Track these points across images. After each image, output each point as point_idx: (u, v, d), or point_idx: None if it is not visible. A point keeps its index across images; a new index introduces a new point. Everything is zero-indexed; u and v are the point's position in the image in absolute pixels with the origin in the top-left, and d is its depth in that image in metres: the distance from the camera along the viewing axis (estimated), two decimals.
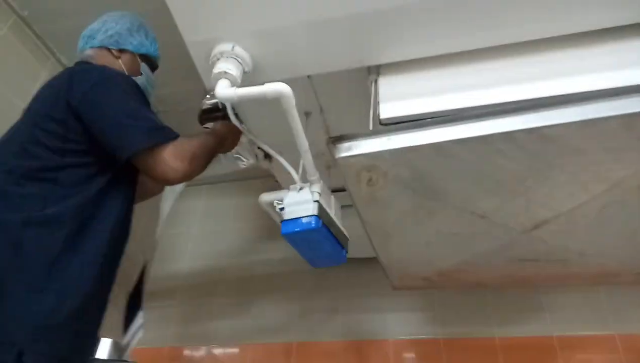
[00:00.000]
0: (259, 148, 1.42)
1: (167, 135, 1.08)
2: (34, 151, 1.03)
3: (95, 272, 1.02)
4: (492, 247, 1.14)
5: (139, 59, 1.32)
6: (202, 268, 2.31)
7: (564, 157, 0.82)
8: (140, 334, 1.31)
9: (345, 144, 0.88)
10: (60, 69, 1.87)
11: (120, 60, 1.29)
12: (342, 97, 1.24)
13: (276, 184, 1.72)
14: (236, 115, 1.40)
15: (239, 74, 1.00)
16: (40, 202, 1.00)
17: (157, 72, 1.42)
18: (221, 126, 1.28)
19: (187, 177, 1.09)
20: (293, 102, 1.00)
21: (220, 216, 2.47)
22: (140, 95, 1.13)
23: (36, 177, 1.03)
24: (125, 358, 1.33)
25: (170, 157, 1.04)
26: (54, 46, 1.80)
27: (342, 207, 1.28)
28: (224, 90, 0.98)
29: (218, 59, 1.00)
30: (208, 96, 1.56)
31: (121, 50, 1.29)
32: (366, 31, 0.97)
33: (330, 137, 0.89)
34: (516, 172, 0.87)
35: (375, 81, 1.05)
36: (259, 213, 2.37)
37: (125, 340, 1.26)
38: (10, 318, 0.89)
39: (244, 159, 1.44)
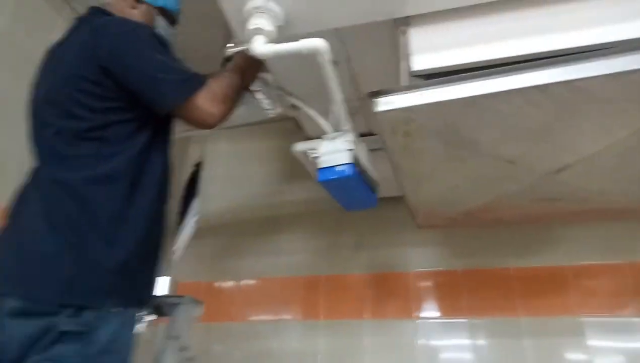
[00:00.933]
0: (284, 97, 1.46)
1: (198, 83, 1.11)
2: (78, 113, 1.07)
3: (151, 222, 1.12)
4: (517, 189, 1.21)
5: (155, 12, 1.31)
6: (230, 209, 2.42)
7: (590, 105, 0.87)
8: (196, 218, 1.43)
9: (383, 98, 0.92)
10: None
11: (136, 11, 1.27)
12: (368, 46, 1.26)
13: (295, 127, 1.77)
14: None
15: (273, 29, 1.02)
16: (93, 161, 1.06)
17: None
18: (241, 60, 1.28)
19: (223, 118, 1.15)
20: (329, 57, 1.03)
21: (243, 159, 2.54)
22: (162, 44, 1.15)
23: (85, 136, 1.08)
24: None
25: (206, 103, 1.10)
26: None
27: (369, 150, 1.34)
28: (260, 47, 1.01)
29: (252, 14, 1.02)
30: (230, 45, 1.58)
31: (138, 1, 1.28)
32: None
33: (368, 92, 0.93)
34: (545, 120, 0.92)
35: (405, 32, 1.07)
36: (281, 155, 2.48)
37: (183, 225, 1.39)
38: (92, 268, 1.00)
39: (272, 108, 1.48)
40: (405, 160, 1.10)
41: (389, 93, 0.92)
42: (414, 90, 0.90)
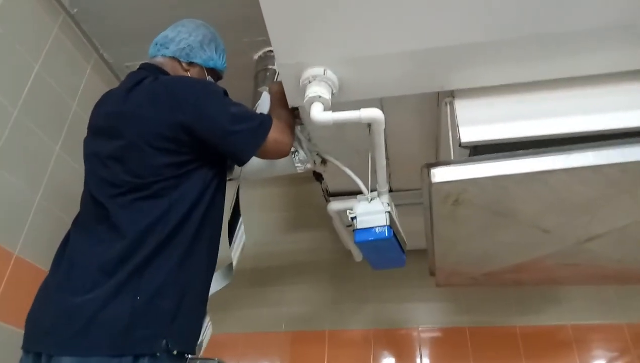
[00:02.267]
0: (317, 154, 1.50)
1: (267, 125, 1.20)
2: (153, 169, 1.12)
3: (213, 258, 1.24)
4: (544, 254, 1.26)
5: (206, 72, 1.37)
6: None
7: (636, 185, 0.94)
8: (243, 240, 1.46)
9: (440, 169, 0.97)
10: (103, 66, 1.89)
11: (189, 73, 1.33)
12: (402, 112, 1.33)
13: (298, 177, 1.79)
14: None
15: (329, 97, 1.07)
16: (168, 211, 1.11)
17: None
18: (276, 89, 1.34)
19: (292, 144, 1.30)
20: (383, 125, 1.08)
21: (246, 207, 2.53)
22: (227, 96, 1.23)
23: (160, 192, 1.11)
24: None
25: (278, 137, 1.21)
26: (97, 43, 1.81)
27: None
28: (319, 114, 1.05)
29: (310, 82, 1.07)
30: (259, 90, 1.63)
31: (190, 63, 1.34)
32: (445, 61, 1.06)
33: (425, 164, 0.98)
34: (589, 196, 0.98)
35: (450, 103, 1.14)
36: (284, 204, 2.48)
37: (232, 250, 1.43)
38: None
39: (301, 164, 1.51)
40: (446, 225, 1.14)
41: (446, 165, 0.97)
42: (472, 163, 0.95)
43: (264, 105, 1.49)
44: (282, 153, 1.25)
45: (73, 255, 1.09)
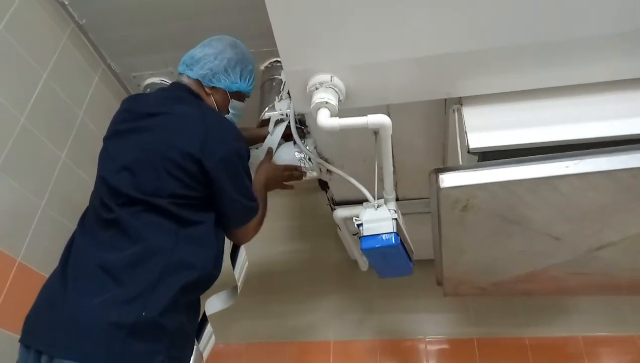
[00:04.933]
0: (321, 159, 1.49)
1: (254, 213, 1.28)
2: (163, 192, 1.14)
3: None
4: (554, 263, 1.24)
5: (229, 96, 1.35)
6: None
7: None
8: (245, 263, 1.51)
9: (450, 175, 0.95)
10: (110, 76, 1.90)
11: (211, 98, 1.33)
12: (408, 118, 1.32)
13: (304, 187, 1.77)
14: (299, 129, 1.47)
15: (336, 103, 1.06)
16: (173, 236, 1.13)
17: None
18: (262, 176, 1.42)
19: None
20: (390, 131, 1.07)
21: None
22: (248, 160, 1.27)
23: (167, 213, 1.13)
24: None
25: (252, 230, 1.30)
26: (105, 53, 1.82)
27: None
28: (326, 120, 1.04)
29: (317, 88, 1.06)
30: (267, 108, 1.62)
31: (213, 88, 1.32)
32: (453, 68, 1.05)
33: (434, 169, 0.97)
34: (602, 202, 0.97)
35: (459, 110, 1.13)
36: (289, 214, 2.47)
37: (236, 274, 1.48)
38: None
39: (310, 171, 1.51)
40: (454, 232, 1.12)
41: (455, 170, 0.96)
42: (481, 168, 0.94)
43: (275, 138, 1.51)
44: (242, 242, 1.37)
45: (81, 257, 1.09)
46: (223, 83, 1.32)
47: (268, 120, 1.57)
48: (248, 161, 1.26)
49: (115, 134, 1.26)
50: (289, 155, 1.49)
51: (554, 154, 0.91)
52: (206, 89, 1.31)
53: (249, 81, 1.37)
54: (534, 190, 0.94)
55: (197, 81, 1.31)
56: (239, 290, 1.48)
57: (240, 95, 1.38)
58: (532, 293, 1.59)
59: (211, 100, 1.32)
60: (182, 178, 1.13)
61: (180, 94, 1.27)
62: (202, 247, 1.15)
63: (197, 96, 1.29)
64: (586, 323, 1.94)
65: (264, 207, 1.36)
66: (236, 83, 1.34)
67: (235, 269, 1.45)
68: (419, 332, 2.02)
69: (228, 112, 1.38)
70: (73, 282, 1.04)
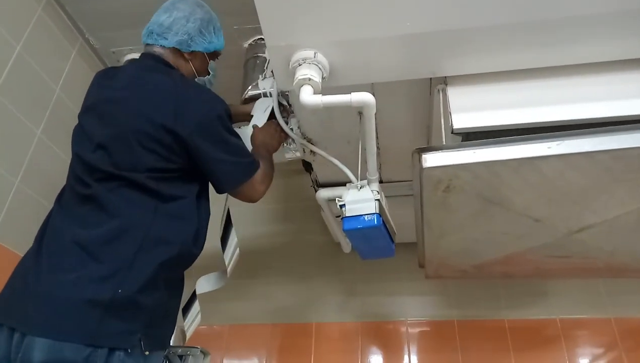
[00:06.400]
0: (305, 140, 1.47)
1: (254, 167, 1.23)
2: (139, 167, 1.10)
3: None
4: (534, 245, 1.25)
5: (207, 58, 1.32)
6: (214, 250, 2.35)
7: (630, 173, 0.92)
8: (236, 248, 1.47)
9: (432, 155, 0.94)
10: (88, 50, 1.84)
11: (191, 64, 1.29)
12: (392, 98, 1.30)
13: (288, 170, 1.76)
14: (283, 111, 1.45)
15: (320, 80, 1.04)
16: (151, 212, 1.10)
17: None
18: (263, 136, 1.38)
19: (263, 195, 1.30)
20: (374, 111, 1.05)
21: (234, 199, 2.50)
22: (231, 122, 1.22)
23: (145, 188, 1.11)
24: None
25: (258, 184, 1.25)
26: (83, 27, 1.76)
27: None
28: (309, 97, 1.02)
29: (300, 65, 1.04)
30: (250, 87, 1.59)
31: (192, 52, 1.28)
32: (438, 46, 1.03)
33: (416, 148, 0.96)
34: (582, 184, 0.97)
35: (444, 90, 1.11)
36: (273, 197, 2.44)
37: (226, 259, 1.44)
38: None
39: (293, 152, 1.49)
40: (436, 213, 1.12)
41: (437, 150, 0.95)
42: (464, 148, 0.93)
43: (258, 116, 1.47)
44: (253, 199, 1.28)
45: (56, 233, 1.06)
46: (201, 45, 1.28)
47: (251, 98, 1.55)
48: (230, 119, 1.22)
49: (88, 109, 1.22)
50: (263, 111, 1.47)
51: (537, 134, 0.90)
52: (185, 55, 1.27)
53: (221, 37, 1.35)
54: (516, 170, 0.93)
55: (173, 49, 1.26)
56: (228, 274, 1.45)
57: (215, 55, 1.36)
58: (512, 276, 1.61)
59: (190, 67, 1.28)
60: (157, 150, 1.10)
61: (152, 64, 1.23)
62: (182, 223, 1.12)
63: (169, 65, 1.25)
64: (564, 306, 1.97)
65: (270, 163, 1.34)
66: (212, 42, 1.31)
67: (225, 253, 1.43)
68: (401, 314, 2.04)
69: (208, 74, 1.34)
70: (48, 259, 1.01)
